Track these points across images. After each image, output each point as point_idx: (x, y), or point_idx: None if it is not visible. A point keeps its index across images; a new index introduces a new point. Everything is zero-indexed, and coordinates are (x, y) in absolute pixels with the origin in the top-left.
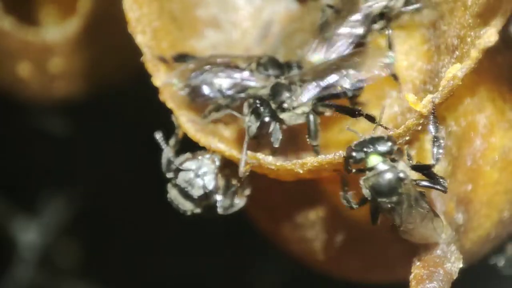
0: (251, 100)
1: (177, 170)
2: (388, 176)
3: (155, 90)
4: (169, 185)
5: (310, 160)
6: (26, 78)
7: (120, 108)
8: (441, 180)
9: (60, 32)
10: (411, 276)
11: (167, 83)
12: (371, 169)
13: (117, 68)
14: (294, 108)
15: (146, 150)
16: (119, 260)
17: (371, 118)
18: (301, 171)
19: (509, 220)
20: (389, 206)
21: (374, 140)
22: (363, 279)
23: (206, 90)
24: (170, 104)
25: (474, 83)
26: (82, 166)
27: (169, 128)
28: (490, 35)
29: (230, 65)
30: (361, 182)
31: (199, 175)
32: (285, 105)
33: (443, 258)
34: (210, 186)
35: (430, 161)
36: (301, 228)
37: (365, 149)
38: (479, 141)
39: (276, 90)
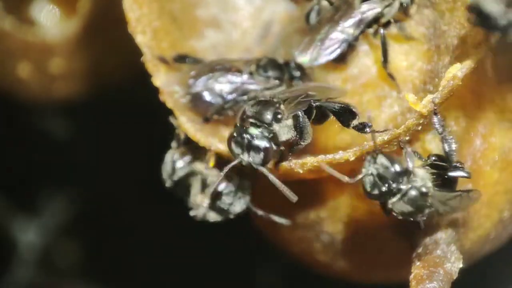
0: (245, 139)
1: (215, 195)
2: (413, 196)
3: (155, 90)
4: (197, 205)
5: (310, 160)
6: (26, 78)
7: (120, 108)
8: (462, 166)
9: (60, 32)
10: (411, 276)
11: (169, 90)
12: (394, 194)
13: (117, 68)
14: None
15: (146, 150)
16: (119, 260)
17: (361, 129)
18: (301, 171)
19: (509, 220)
20: (426, 217)
21: (383, 173)
22: (363, 279)
23: (207, 96)
24: (170, 104)
25: (474, 83)
26: (82, 166)
27: (169, 128)
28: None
29: (231, 69)
30: (390, 206)
31: (240, 197)
32: (279, 116)
33: (443, 258)
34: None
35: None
36: (301, 228)
37: (383, 190)
38: (479, 141)
39: (262, 110)
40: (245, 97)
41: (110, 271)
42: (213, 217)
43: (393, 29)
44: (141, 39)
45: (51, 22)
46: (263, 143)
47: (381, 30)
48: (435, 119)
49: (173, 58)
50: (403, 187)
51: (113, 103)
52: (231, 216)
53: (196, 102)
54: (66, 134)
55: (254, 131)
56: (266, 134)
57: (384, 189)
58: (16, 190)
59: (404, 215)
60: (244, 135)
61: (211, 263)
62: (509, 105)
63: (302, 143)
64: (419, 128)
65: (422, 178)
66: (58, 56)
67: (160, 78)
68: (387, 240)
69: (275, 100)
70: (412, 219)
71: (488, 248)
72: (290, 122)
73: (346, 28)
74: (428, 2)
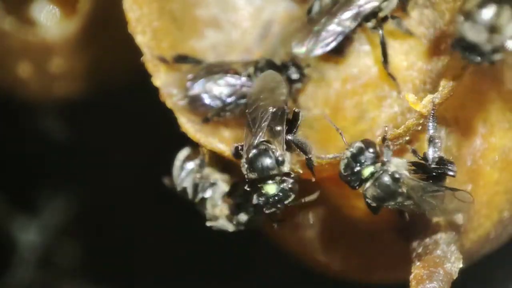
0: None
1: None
2: (384, 181)
3: (155, 90)
4: (216, 217)
5: None
6: (26, 78)
7: (120, 108)
8: (449, 165)
9: (60, 32)
10: (411, 276)
11: (167, 93)
12: (366, 180)
13: (117, 68)
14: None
15: (146, 150)
16: (119, 260)
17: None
18: (301, 171)
19: (509, 220)
20: (399, 206)
21: (357, 156)
22: (363, 279)
23: (206, 99)
24: (169, 105)
25: (474, 83)
26: (82, 166)
27: (169, 128)
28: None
29: (229, 72)
30: (363, 192)
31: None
32: (280, 158)
33: (443, 258)
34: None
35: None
36: (301, 228)
37: (355, 170)
38: (479, 141)
39: (262, 167)
40: (244, 100)
41: (110, 271)
42: (231, 227)
43: (391, 25)
44: (141, 39)
45: (51, 22)
46: (286, 188)
47: (380, 31)
48: (431, 120)
49: (173, 58)
50: (375, 170)
51: (113, 103)
52: (251, 228)
53: (194, 104)
54: (66, 134)
55: (271, 189)
56: (281, 179)
57: (356, 168)
58: (16, 190)
59: (376, 201)
60: (270, 199)
61: (211, 263)
62: (509, 105)
63: (311, 155)
64: (419, 128)
65: (396, 165)
66: (58, 56)
67: (160, 78)
68: (387, 240)
69: (264, 147)
70: (384, 205)
71: (488, 248)
72: (288, 152)
73: (343, 21)
74: (428, 2)
